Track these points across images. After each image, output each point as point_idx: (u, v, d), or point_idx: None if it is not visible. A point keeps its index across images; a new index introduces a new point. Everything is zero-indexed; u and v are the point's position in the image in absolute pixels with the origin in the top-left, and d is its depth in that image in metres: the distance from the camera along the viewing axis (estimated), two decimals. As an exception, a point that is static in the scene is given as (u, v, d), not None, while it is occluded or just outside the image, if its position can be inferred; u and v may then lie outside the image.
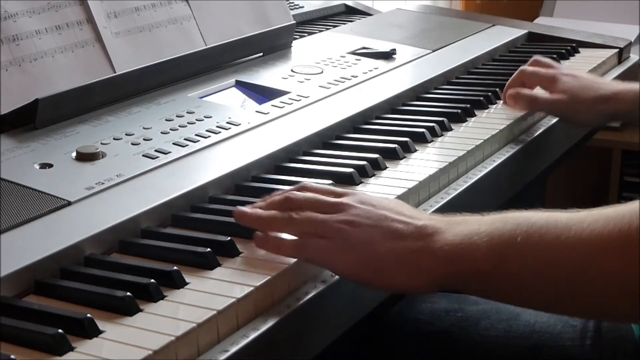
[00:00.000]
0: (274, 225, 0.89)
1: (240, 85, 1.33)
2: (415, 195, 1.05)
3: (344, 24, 1.80)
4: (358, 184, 1.05)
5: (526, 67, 1.39)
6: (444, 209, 1.05)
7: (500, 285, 0.82)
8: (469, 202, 1.12)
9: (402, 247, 0.83)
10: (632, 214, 0.75)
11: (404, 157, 1.14)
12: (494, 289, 0.83)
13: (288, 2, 1.79)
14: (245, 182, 1.05)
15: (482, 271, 0.81)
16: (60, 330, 0.72)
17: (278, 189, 1.00)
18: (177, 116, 1.17)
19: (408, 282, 0.84)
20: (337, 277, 0.88)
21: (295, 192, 0.91)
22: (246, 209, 0.91)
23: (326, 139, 1.20)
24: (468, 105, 1.33)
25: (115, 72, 1.21)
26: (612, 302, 0.77)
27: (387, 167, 1.10)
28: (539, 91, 1.37)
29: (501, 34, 1.77)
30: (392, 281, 0.84)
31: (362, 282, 0.86)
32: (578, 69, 1.49)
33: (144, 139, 1.09)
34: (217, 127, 1.15)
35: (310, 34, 1.69)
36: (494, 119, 1.31)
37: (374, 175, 1.08)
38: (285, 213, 0.89)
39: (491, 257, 0.80)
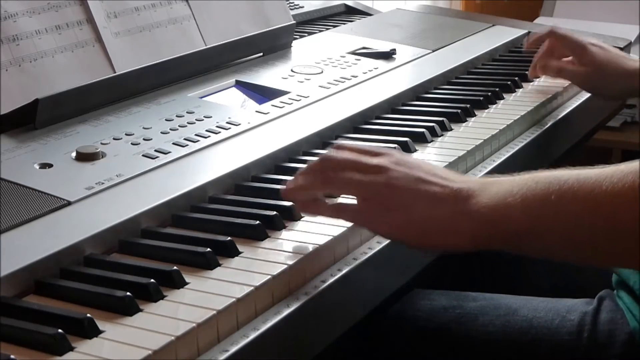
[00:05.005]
0: (313, 187, 0.93)
1: (240, 85, 1.33)
2: (415, 195, 1.05)
3: (344, 24, 1.80)
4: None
5: (556, 29, 1.44)
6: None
7: (537, 242, 0.85)
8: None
9: (441, 211, 0.87)
10: None
11: (404, 157, 1.14)
12: (531, 246, 0.86)
13: (288, 2, 1.79)
14: (245, 182, 1.05)
15: (518, 231, 0.84)
16: (60, 330, 0.72)
17: (278, 189, 1.00)
18: (177, 116, 1.16)
19: (449, 243, 0.88)
20: (337, 276, 0.88)
21: (332, 154, 0.94)
22: (288, 185, 0.94)
23: (326, 139, 1.20)
24: (468, 105, 1.33)
25: (115, 72, 1.21)
26: None
27: (387, 167, 1.10)
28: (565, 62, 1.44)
29: (501, 34, 1.77)
30: (433, 242, 0.88)
31: (404, 242, 0.89)
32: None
33: (144, 139, 1.09)
34: (217, 127, 1.15)
35: (310, 34, 1.69)
36: (493, 119, 1.31)
37: (374, 175, 1.08)
38: (324, 173, 0.92)
39: (527, 216, 0.84)
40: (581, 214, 0.82)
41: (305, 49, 1.54)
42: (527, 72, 1.52)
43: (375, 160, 0.91)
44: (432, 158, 1.14)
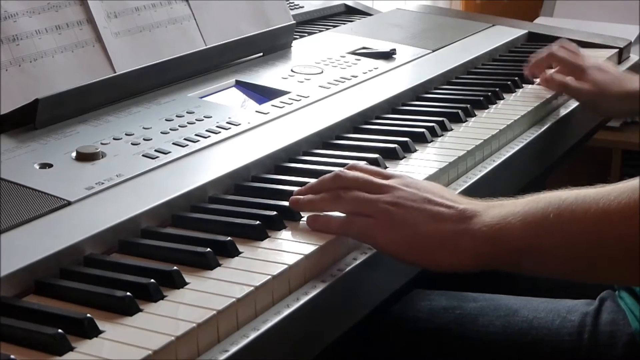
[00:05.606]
0: (323, 205, 0.95)
1: (240, 85, 1.33)
2: (415, 195, 1.05)
3: (344, 24, 1.80)
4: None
5: (556, 52, 1.45)
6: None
7: (537, 260, 0.87)
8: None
9: (443, 229, 0.89)
10: None
11: (404, 157, 1.14)
12: (531, 264, 0.88)
13: (288, 2, 1.79)
14: (245, 182, 1.05)
15: (519, 249, 0.86)
16: (60, 330, 0.72)
17: (278, 189, 1.00)
18: (177, 116, 1.16)
19: (450, 261, 0.89)
20: (337, 277, 0.88)
21: (345, 171, 0.96)
22: (299, 196, 0.96)
23: (326, 139, 1.20)
24: (468, 105, 1.33)
25: (115, 72, 1.21)
26: None
27: (387, 167, 1.10)
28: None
29: (501, 34, 1.77)
30: (436, 260, 0.89)
31: (404, 260, 0.91)
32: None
33: (144, 139, 1.09)
34: (217, 127, 1.15)
35: (310, 34, 1.69)
36: (493, 119, 1.30)
37: (374, 175, 1.08)
38: (334, 192, 0.94)
39: (526, 234, 0.86)
40: (578, 231, 0.84)
41: (305, 49, 1.54)
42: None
43: (385, 181, 0.94)
44: (432, 158, 1.14)
